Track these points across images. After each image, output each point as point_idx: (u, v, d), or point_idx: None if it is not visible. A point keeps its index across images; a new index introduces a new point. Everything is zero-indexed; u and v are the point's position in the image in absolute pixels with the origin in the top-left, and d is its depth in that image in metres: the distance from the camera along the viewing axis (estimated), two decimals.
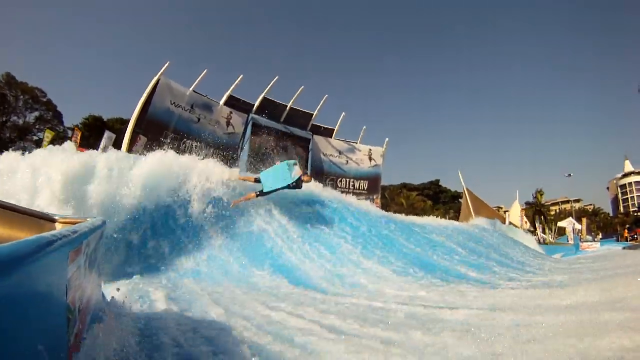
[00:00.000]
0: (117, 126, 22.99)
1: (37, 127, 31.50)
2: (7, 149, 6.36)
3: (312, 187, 10.31)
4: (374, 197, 20.60)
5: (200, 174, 7.95)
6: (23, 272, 0.87)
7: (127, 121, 16.17)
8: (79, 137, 18.20)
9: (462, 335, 2.81)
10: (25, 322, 0.92)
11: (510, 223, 25.19)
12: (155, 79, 15.05)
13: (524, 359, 2.24)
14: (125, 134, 14.95)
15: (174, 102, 15.66)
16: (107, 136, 16.84)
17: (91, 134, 19.73)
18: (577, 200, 58.89)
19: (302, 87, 19.08)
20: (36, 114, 31.91)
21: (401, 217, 12.79)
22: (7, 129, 30.62)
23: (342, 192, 14.05)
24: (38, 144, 23.90)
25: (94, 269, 2.22)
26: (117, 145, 14.40)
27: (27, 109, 31.74)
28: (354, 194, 17.36)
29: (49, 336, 1.13)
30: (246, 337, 2.74)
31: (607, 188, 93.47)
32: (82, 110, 61.89)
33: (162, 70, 15.16)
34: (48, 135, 22.90)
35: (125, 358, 1.93)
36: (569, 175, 43.67)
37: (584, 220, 40.38)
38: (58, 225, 2.16)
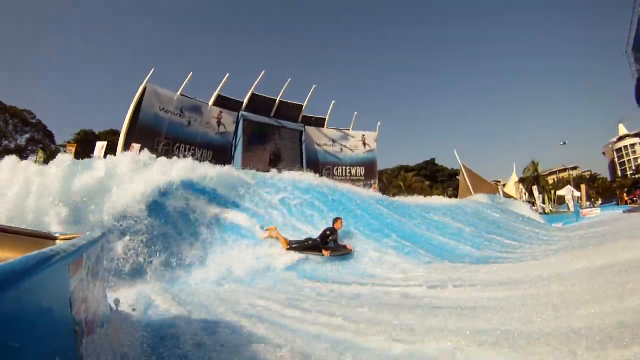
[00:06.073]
0: (110, 138, 22.94)
1: (29, 148, 31.36)
2: None
3: (309, 177, 10.40)
4: (372, 182, 20.56)
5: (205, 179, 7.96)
6: (25, 287, 0.87)
7: (119, 132, 16.09)
8: (73, 152, 18.01)
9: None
10: (33, 337, 0.91)
11: (504, 194, 25.27)
12: (142, 86, 14.94)
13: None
14: (118, 144, 14.95)
15: (163, 108, 15.56)
16: (99, 146, 16.78)
17: (83, 148, 19.63)
18: (574, 168, 59.07)
19: (290, 79, 19.11)
20: (27, 135, 31.78)
21: (405, 199, 12.90)
22: None
23: (339, 180, 14.09)
24: None
25: (97, 280, 2.24)
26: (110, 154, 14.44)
27: (17, 132, 31.60)
28: (351, 180, 17.43)
29: (58, 349, 1.12)
30: (251, 331, 2.80)
31: (603, 153, 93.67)
32: (72, 127, 61.47)
33: (147, 78, 15.05)
34: (41, 155, 22.74)
35: None
36: (564, 143, 43.74)
37: (583, 186, 40.40)
38: (59, 243, 2.18)
